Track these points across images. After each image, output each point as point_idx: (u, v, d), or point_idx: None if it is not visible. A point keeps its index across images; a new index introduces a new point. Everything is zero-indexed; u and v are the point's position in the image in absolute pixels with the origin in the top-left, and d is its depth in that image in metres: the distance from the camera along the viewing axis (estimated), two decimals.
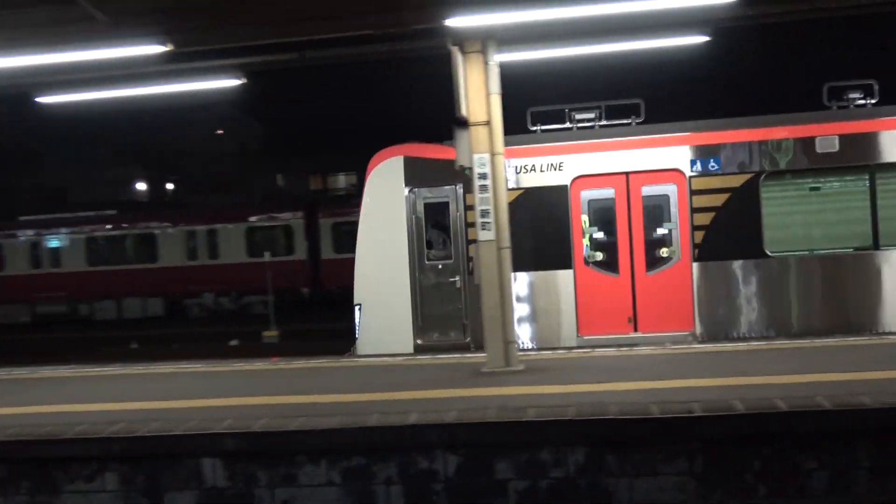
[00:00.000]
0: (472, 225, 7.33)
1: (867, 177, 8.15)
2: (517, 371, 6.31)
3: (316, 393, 5.99)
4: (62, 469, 5.08)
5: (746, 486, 4.52)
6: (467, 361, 7.25)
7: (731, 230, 8.29)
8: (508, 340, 6.30)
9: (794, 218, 8.51)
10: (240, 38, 6.55)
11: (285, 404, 5.59)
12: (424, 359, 7.79)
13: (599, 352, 7.46)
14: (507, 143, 6.63)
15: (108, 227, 22.55)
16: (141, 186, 31.68)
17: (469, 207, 8.00)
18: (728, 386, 5.31)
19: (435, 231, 8.99)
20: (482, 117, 6.05)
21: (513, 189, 8.22)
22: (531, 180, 8.66)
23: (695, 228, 8.39)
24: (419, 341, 8.81)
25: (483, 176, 5.97)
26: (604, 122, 8.78)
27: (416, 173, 8.88)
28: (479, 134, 6.04)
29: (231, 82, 7.55)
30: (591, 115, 8.75)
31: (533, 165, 8.66)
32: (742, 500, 4.51)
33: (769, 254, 8.31)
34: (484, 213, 6.07)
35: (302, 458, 4.85)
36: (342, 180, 35.00)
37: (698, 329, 8.39)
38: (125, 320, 21.95)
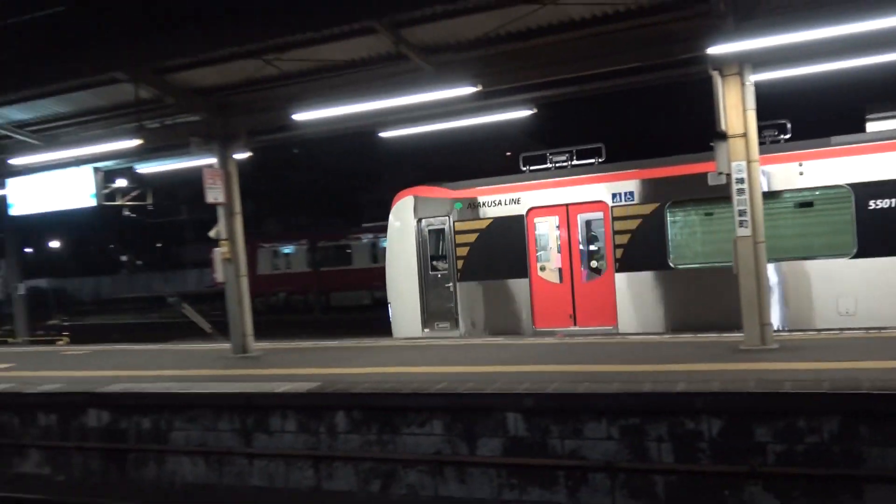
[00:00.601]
0: (460, 245, 13.99)
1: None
2: (772, 349, 8.93)
3: (595, 363, 9.08)
4: (401, 416, 8.38)
5: None
6: (724, 340, 10.10)
7: (642, 247, 12.66)
8: (764, 322, 8.90)
9: (691, 237, 12.64)
10: (532, 76, 9.84)
11: (571, 372, 8.60)
12: (685, 337, 10.93)
13: (848, 333, 10.08)
14: (482, 185, 13.80)
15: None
16: None
17: (457, 232, 14.13)
18: None
19: (435, 249, 14.56)
20: (739, 130, 8.77)
21: (485, 218, 13.90)
22: (498, 212, 13.85)
23: (616, 247, 12.92)
24: (426, 329, 14.56)
25: (741, 181, 8.64)
26: (554, 165, 13.73)
27: (423, 208, 14.54)
28: (736, 145, 8.79)
29: (524, 113, 10.99)
30: (564, 158, 13.70)
31: (499, 200, 13.85)
32: None
33: (672, 266, 12.57)
34: (741, 213, 8.80)
35: (586, 416, 7.56)
36: None
37: (619, 324, 12.87)
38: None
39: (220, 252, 12.15)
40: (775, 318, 11.35)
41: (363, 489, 8.46)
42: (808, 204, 11.69)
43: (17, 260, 27.11)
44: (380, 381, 9.06)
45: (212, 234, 12.34)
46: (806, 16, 7.71)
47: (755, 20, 8.19)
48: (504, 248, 13.67)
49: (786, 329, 11.46)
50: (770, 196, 11.24)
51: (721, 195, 10.51)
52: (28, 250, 48.32)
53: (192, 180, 14.23)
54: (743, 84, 8.66)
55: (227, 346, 13.27)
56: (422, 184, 14.85)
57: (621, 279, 12.82)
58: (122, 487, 9.49)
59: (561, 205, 13.36)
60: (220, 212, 11.95)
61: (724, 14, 8.28)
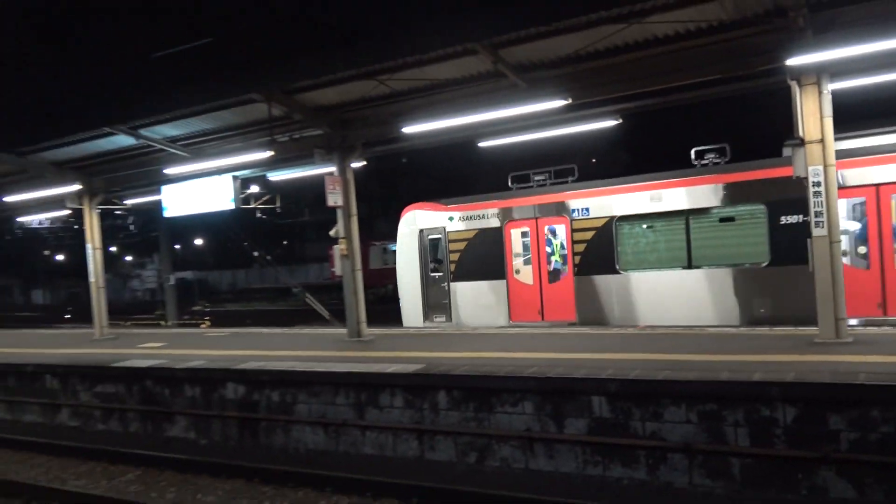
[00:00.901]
0: (452, 251, 15.81)
1: (683, 218, 13.25)
2: (846, 342, 8.76)
3: (674, 353, 9.16)
4: (496, 396, 8.72)
5: None
6: (799, 334, 9.96)
7: (596, 255, 14.12)
8: (839, 317, 8.73)
9: (637, 247, 13.90)
10: (617, 90, 9.97)
11: (651, 360, 8.70)
12: (761, 330, 10.87)
13: None
14: (469, 202, 15.72)
15: None
16: None
17: (450, 241, 15.92)
18: None
19: (433, 255, 16.22)
20: (816, 136, 8.68)
21: (472, 229, 15.60)
22: (482, 224, 15.53)
23: (574, 254, 14.38)
24: (426, 322, 16.33)
25: (817, 184, 8.47)
26: (522, 186, 15.38)
27: (424, 220, 16.32)
28: (813, 150, 8.70)
29: (609, 123, 11.13)
30: (543, 177, 15.22)
31: (483, 214, 15.54)
32: None
33: (619, 271, 13.89)
34: (818, 214, 8.64)
35: (666, 401, 7.67)
36: None
37: (577, 318, 14.25)
38: None
39: (338, 249, 12.86)
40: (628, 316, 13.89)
41: (461, 461, 8.85)
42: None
43: (168, 255, 29.42)
44: (477, 364, 9.41)
45: (332, 233, 13.08)
46: (880, 28, 7.56)
47: (832, 32, 8.09)
48: (486, 254, 15.39)
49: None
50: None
51: (661, 211, 13.27)
52: (177, 247, 52.12)
53: (314, 186, 15.13)
54: (820, 93, 8.56)
55: (343, 330, 13.98)
56: (427, 200, 16.75)
57: (578, 281, 14.39)
58: (255, 451, 10.17)
59: (531, 218, 14.95)
60: (339, 214, 12.61)
61: (803, 28, 8.21)
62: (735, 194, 12.62)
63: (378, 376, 9.40)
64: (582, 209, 14.29)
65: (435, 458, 8.99)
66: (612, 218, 13.88)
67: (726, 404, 7.39)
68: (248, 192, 14.12)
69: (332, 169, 12.51)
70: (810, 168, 8.55)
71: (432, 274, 16.16)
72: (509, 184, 15.47)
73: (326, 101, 11.96)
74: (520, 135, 12.08)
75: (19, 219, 26.98)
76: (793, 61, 8.18)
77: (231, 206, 13.83)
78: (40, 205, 18.35)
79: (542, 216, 14.79)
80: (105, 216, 20.07)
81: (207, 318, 30.86)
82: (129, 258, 68.52)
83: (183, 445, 10.83)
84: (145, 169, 14.77)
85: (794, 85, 8.63)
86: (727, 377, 7.51)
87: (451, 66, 10.50)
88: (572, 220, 14.37)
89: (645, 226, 13.73)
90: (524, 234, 15.11)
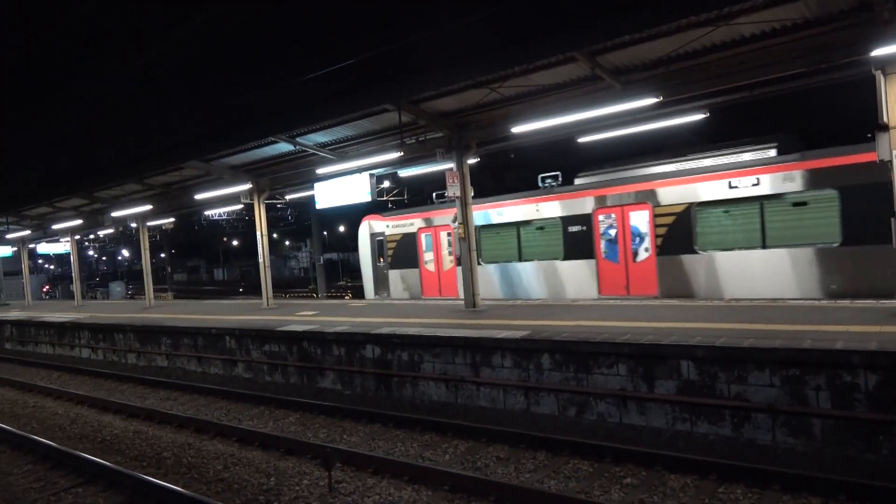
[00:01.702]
0: (388, 249, 19.31)
1: (560, 222, 15.33)
2: None
3: (759, 323, 8.71)
4: (593, 359, 8.59)
5: None
6: (882, 307, 9.26)
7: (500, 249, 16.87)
8: None
9: (534, 242, 16.01)
10: (705, 87, 9.48)
11: (737, 329, 8.30)
12: (844, 302, 10.07)
13: None
14: (396, 214, 19.38)
15: None
16: None
17: (388, 242, 19.39)
18: None
19: (378, 252, 19.82)
20: None
21: (399, 234, 18.97)
22: (405, 230, 18.86)
23: (458, 253, 16.07)
24: (375, 296, 19.93)
25: None
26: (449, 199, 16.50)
27: (374, 227, 20.01)
28: None
29: (698, 117, 10.62)
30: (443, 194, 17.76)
31: (404, 223, 18.99)
32: None
33: (482, 263, 16.51)
34: None
35: (751, 366, 7.30)
36: None
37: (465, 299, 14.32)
38: None
39: (456, 232, 13.04)
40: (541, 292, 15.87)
41: (562, 414, 8.81)
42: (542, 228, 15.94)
43: (318, 240, 31.24)
44: (576, 331, 9.32)
45: (451, 220, 13.27)
46: None
47: None
48: (408, 251, 18.72)
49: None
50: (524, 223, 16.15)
51: (541, 217, 15.71)
52: (325, 233, 54.78)
53: (436, 180, 15.48)
54: None
55: (460, 301, 14.18)
56: (378, 213, 20.35)
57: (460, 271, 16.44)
58: (388, 402, 10.58)
59: (433, 226, 18.24)
60: (458, 203, 12.80)
61: (889, 21, 7.49)
62: (812, 180, 11.79)
63: (490, 341, 9.49)
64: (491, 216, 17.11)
65: (539, 411, 9.00)
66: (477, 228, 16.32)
67: (809, 370, 6.94)
68: (382, 186, 14.67)
69: (451, 165, 12.68)
70: (894, 152, 7.80)
71: (378, 264, 19.96)
72: (539, 183, 16.49)
73: (446, 108, 12.11)
74: (614, 130, 11.73)
75: (205, 212, 29.27)
76: (879, 52, 7.47)
77: (368, 198, 14.29)
78: (220, 201, 19.79)
79: (439, 224, 18.16)
80: (269, 209, 21.44)
81: (349, 291, 32.25)
82: (287, 242, 72.67)
83: (331, 395, 11.40)
84: (301, 170, 15.54)
85: (878, 74, 7.88)
86: (810, 345, 7.05)
87: (553, 73, 10.36)
88: (455, 227, 17.25)
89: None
90: (429, 237, 18.48)
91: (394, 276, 19.41)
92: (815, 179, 11.66)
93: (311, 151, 14.32)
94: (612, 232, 14.49)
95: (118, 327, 17.02)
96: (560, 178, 15.85)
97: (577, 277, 15.21)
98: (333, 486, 6.96)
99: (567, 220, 15.25)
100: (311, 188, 15.99)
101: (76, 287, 27.59)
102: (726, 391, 7.50)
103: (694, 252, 13.15)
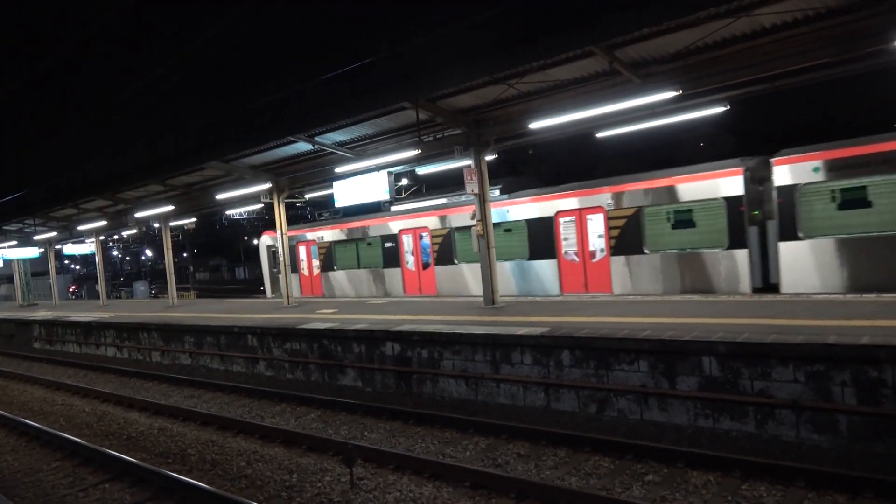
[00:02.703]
0: (277, 258, 21.05)
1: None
2: None
3: (783, 318, 8.62)
4: (613, 355, 8.55)
5: None
6: None
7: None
8: None
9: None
10: (725, 79, 9.38)
11: (761, 325, 8.22)
12: (869, 297, 9.96)
13: None
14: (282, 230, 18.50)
15: None
16: None
17: (274, 253, 22.68)
18: None
19: (273, 260, 23.09)
20: None
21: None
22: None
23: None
24: (271, 295, 23.85)
25: None
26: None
27: (268, 240, 23.45)
28: None
29: (718, 110, 10.49)
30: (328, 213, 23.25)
31: (300, 237, 22.51)
32: None
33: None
34: None
35: (774, 362, 7.22)
36: None
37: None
38: None
39: (474, 230, 13.05)
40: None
41: (583, 410, 8.79)
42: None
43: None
44: (596, 327, 9.29)
45: (470, 216, 13.25)
46: None
47: None
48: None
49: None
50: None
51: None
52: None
53: (453, 177, 15.54)
54: None
55: (479, 298, 14.20)
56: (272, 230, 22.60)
57: (324, 277, 22.00)
58: (409, 398, 10.63)
59: (305, 241, 22.43)
60: (476, 200, 12.80)
61: None
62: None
63: (510, 337, 9.49)
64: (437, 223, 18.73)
65: (559, 407, 8.99)
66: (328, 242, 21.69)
67: (834, 366, 6.85)
68: (400, 184, 14.72)
69: (469, 162, 12.68)
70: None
71: (273, 270, 23.61)
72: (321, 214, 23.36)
73: (464, 105, 12.11)
74: (633, 125, 11.65)
75: (227, 212, 29.59)
76: None
77: (386, 196, 14.36)
78: (241, 200, 19.99)
79: (309, 241, 22.31)
80: (289, 207, 21.76)
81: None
82: None
83: (352, 392, 11.48)
84: (320, 168, 15.65)
85: None
86: (834, 340, 6.95)
87: (570, 68, 10.30)
88: (318, 244, 21.93)
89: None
90: (305, 249, 22.45)
91: (282, 278, 20.56)
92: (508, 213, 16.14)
93: (330, 150, 14.41)
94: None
95: (143, 326, 17.30)
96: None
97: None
98: (355, 483, 7.03)
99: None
100: (331, 186, 16.09)
101: (101, 287, 28.08)
102: (749, 387, 7.43)
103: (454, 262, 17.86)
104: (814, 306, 9.45)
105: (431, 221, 18.06)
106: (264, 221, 37.50)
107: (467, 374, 10.00)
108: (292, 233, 22.15)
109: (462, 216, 16.96)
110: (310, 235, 22.44)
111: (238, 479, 7.51)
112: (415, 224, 18.56)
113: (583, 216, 14.74)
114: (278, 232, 17.39)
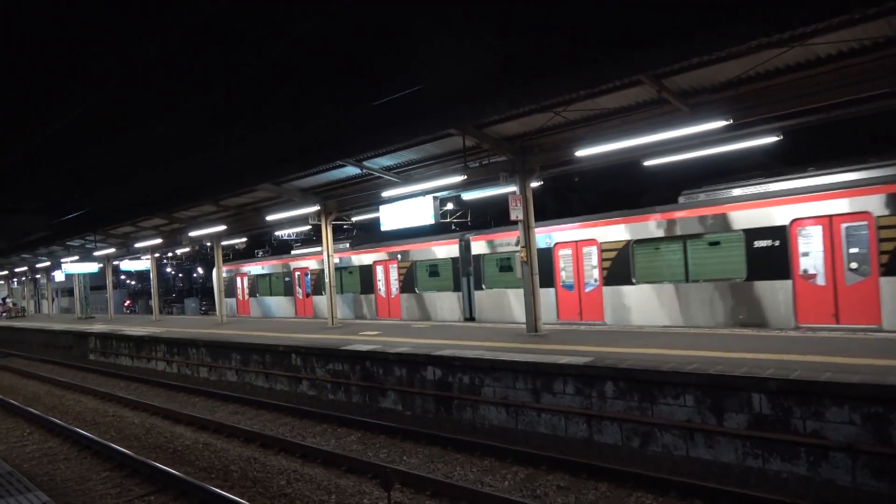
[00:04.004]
0: (228, 284, 29.50)
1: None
2: None
3: (838, 356, 8.26)
4: (658, 388, 8.34)
5: None
6: None
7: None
8: None
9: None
10: (778, 109, 9.19)
11: (814, 362, 7.87)
12: None
13: None
14: (231, 264, 30.97)
15: None
16: None
17: (224, 280, 25.76)
18: None
19: (229, 285, 29.16)
20: None
21: (227, 276, 29.33)
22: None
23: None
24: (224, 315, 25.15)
25: None
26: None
27: (228, 272, 29.62)
28: None
29: (770, 139, 10.27)
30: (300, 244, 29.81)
31: (238, 270, 29.52)
32: None
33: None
34: None
35: (828, 401, 6.92)
36: None
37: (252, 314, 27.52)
38: None
39: (518, 256, 13.02)
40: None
41: (626, 444, 8.59)
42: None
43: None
44: (640, 359, 9.11)
45: (514, 242, 13.25)
46: None
47: None
48: (231, 286, 28.71)
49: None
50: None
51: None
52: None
53: (497, 203, 15.59)
54: None
55: (522, 325, 14.09)
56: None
57: (254, 302, 28.72)
58: (449, 424, 10.60)
59: (241, 273, 29.09)
60: (520, 226, 12.79)
61: None
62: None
63: (552, 366, 9.38)
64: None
65: (602, 440, 8.80)
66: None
67: (893, 406, 6.53)
68: (445, 209, 14.88)
69: (514, 189, 12.71)
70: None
71: (229, 291, 29.25)
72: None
73: (510, 132, 12.18)
74: (681, 154, 11.49)
75: (276, 233, 30.35)
76: None
77: (431, 220, 14.48)
78: (290, 222, 20.46)
79: (243, 273, 29.09)
80: (335, 229, 22.09)
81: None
82: None
83: (392, 415, 11.50)
84: (367, 192, 15.91)
85: None
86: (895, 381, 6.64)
87: (618, 97, 10.27)
88: (253, 275, 28.55)
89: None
90: (239, 280, 29.05)
91: (229, 301, 29.29)
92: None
93: (377, 175, 14.65)
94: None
95: (191, 342, 17.77)
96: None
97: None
98: None
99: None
100: (377, 210, 16.31)
101: (154, 302, 29.02)
102: (801, 427, 7.14)
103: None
104: (876, 343, 9.06)
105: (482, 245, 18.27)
106: (312, 243, 38.53)
107: (508, 401, 9.90)
108: (230, 266, 29.79)
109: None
110: (245, 269, 28.91)
111: (278, 497, 7.59)
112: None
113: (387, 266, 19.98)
114: (325, 255, 17.69)
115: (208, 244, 29.78)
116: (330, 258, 17.70)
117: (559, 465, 8.07)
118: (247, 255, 39.58)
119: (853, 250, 11.24)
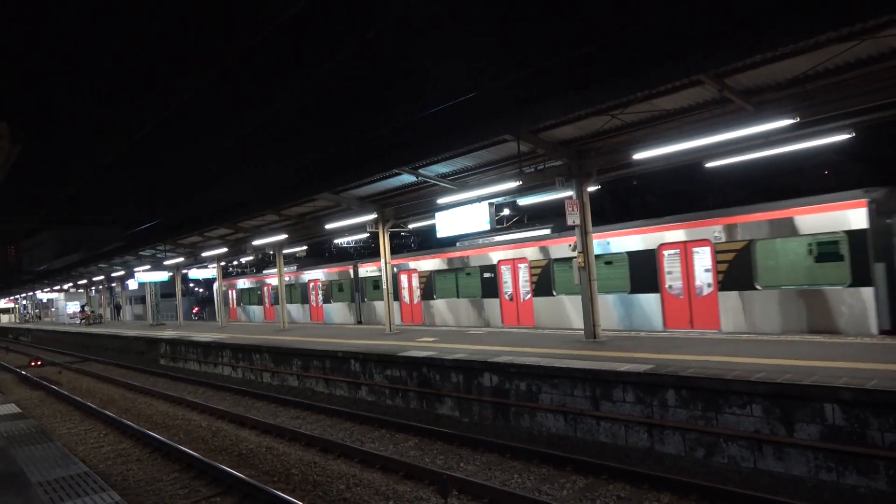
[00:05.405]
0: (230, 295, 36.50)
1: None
2: None
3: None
4: (723, 397, 8.08)
5: None
6: None
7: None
8: None
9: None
10: (848, 105, 8.77)
11: (891, 370, 7.36)
12: None
13: None
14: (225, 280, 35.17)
15: None
16: None
17: (226, 292, 35.58)
18: None
19: (226, 297, 35.30)
20: None
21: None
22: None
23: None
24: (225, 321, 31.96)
25: None
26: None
27: (223, 284, 32.37)
28: None
29: (840, 137, 9.82)
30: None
31: (231, 284, 36.11)
32: None
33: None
34: None
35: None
36: None
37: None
38: None
39: (576, 262, 12.87)
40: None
41: (689, 454, 8.34)
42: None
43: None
44: (704, 366, 8.84)
45: (569, 247, 13.09)
46: None
47: None
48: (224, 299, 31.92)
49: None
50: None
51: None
52: None
53: (554, 208, 15.39)
54: None
55: (580, 331, 13.89)
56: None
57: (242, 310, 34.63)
58: (506, 432, 10.53)
59: (234, 287, 35.04)
60: (577, 231, 12.64)
61: None
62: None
63: (611, 374, 9.22)
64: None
65: (664, 450, 8.58)
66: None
67: None
68: (501, 214, 14.84)
69: (571, 193, 12.57)
70: None
71: (225, 304, 32.92)
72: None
73: (565, 137, 12.07)
74: (745, 154, 11.11)
75: (335, 241, 30.95)
76: None
77: (487, 226, 14.47)
78: (348, 229, 20.87)
79: (231, 287, 34.83)
80: (392, 236, 22.42)
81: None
82: None
83: (449, 422, 11.52)
84: (423, 200, 16.06)
85: None
86: None
87: (677, 98, 10.02)
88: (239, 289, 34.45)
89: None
90: (229, 293, 34.70)
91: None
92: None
93: (433, 182, 14.76)
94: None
95: (255, 348, 18.33)
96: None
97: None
98: None
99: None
100: (433, 217, 16.44)
101: (219, 309, 30.09)
102: (879, 439, 6.78)
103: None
104: None
105: (530, 252, 17.78)
106: (370, 250, 39.22)
107: (566, 409, 9.78)
108: (233, 281, 35.06)
109: (562, 247, 16.68)
110: (239, 284, 33.85)
111: (338, 501, 7.73)
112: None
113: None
114: (382, 261, 17.94)
115: (271, 252, 30.73)
116: (388, 265, 17.93)
117: (619, 475, 7.89)
118: (306, 263, 40.71)
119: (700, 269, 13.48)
